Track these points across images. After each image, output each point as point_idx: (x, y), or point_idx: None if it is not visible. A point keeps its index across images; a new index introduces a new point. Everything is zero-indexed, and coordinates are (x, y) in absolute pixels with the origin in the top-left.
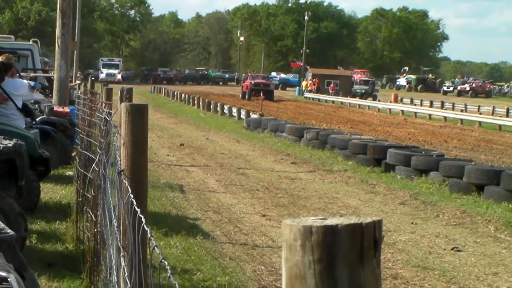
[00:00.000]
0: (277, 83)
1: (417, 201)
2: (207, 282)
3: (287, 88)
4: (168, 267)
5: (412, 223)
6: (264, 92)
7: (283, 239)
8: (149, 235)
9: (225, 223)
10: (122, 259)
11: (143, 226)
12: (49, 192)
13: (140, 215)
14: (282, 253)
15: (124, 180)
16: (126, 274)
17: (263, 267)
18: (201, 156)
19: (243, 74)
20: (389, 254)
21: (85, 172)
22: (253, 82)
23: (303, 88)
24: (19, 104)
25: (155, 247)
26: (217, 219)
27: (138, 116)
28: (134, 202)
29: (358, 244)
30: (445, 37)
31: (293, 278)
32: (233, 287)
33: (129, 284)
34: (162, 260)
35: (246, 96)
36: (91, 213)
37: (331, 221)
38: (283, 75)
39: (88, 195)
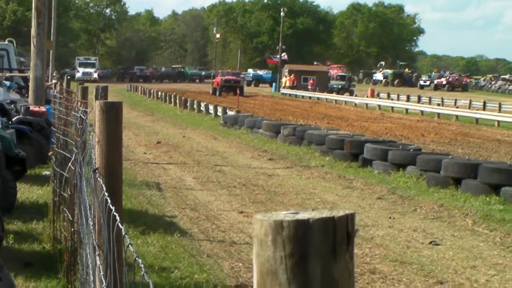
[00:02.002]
0: (251, 79)
1: (394, 195)
2: (184, 280)
3: (261, 85)
4: (142, 265)
5: (390, 217)
6: (235, 88)
7: (254, 234)
8: (123, 232)
9: (202, 220)
10: (97, 257)
11: (118, 224)
12: (26, 191)
13: (115, 213)
14: (253, 249)
15: (98, 178)
16: (102, 273)
17: (240, 264)
18: (178, 154)
19: (217, 71)
20: (367, 249)
21: (61, 171)
22: (223, 79)
23: (283, 85)
24: None
25: (130, 245)
26: (195, 217)
27: (112, 114)
28: (109, 200)
29: (330, 238)
30: (421, 32)
31: (265, 274)
32: (211, 285)
33: (104, 283)
34: (136, 258)
35: (217, 93)
36: (67, 212)
37: (303, 215)
38: (259, 72)
39: (65, 194)
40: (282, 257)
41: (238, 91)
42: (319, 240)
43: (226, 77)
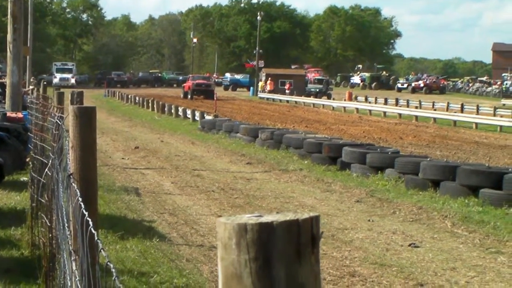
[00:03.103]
0: (228, 84)
1: (373, 198)
2: (164, 285)
3: (238, 89)
4: (113, 270)
5: (369, 220)
6: (206, 92)
7: (218, 238)
8: (96, 237)
9: (181, 225)
10: (73, 263)
11: (90, 229)
12: (4, 198)
13: (88, 218)
14: (218, 252)
15: (73, 184)
16: (77, 278)
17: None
18: (156, 159)
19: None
20: (346, 252)
21: (39, 177)
22: (195, 83)
23: (260, 89)
24: None
25: (102, 250)
26: (173, 221)
27: (85, 119)
28: (82, 206)
29: (295, 241)
30: (398, 34)
31: (229, 278)
32: None
33: None
34: (108, 263)
35: (188, 96)
36: (45, 218)
37: (267, 218)
38: (236, 76)
39: (43, 200)
40: (247, 260)
41: (215, 96)
42: (284, 243)
43: (197, 81)
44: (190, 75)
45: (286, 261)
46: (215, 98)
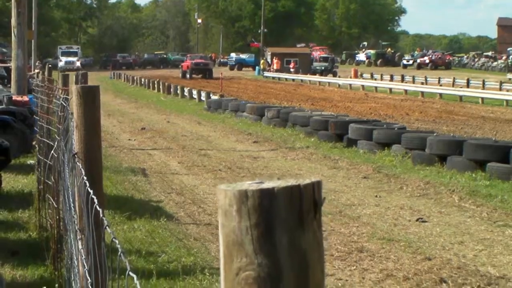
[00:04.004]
0: (234, 63)
1: (380, 174)
2: (172, 264)
3: (244, 69)
4: (118, 246)
5: (376, 196)
6: (204, 71)
7: (218, 205)
8: (101, 215)
9: (188, 204)
10: (79, 242)
11: (96, 206)
12: (11, 181)
13: (93, 196)
14: (218, 220)
15: (78, 163)
16: (83, 257)
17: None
18: (162, 139)
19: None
20: (354, 228)
21: (45, 159)
22: (193, 62)
23: (261, 67)
24: None
25: (107, 227)
26: (181, 201)
27: (89, 98)
28: (87, 184)
29: (296, 207)
30: (402, 11)
31: (231, 245)
32: (199, 268)
33: (86, 266)
34: (113, 239)
35: (187, 75)
36: (52, 200)
37: (268, 184)
38: (242, 56)
39: (49, 182)
40: (248, 227)
41: (221, 76)
42: (285, 209)
43: (196, 61)
44: (188, 55)
45: (288, 227)
46: (220, 78)
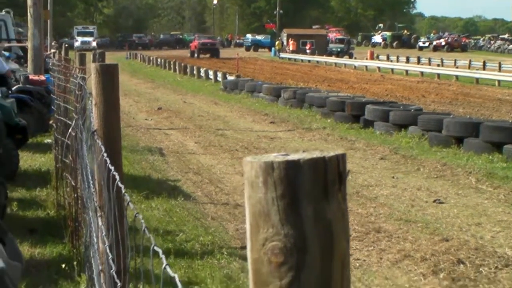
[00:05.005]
0: (249, 44)
1: (397, 155)
2: (189, 243)
3: (259, 50)
4: (142, 221)
5: (393, 177)
6: (211, 50)
7: (245, 177)
8: (123, 190)
9: (206, 184)
10: (99, 219)
11: (117, 183)
12: (29, 160)
13: (114, 173)
14: (245, 191)
15: (97, 140)
16: (104, 233)
17: (245, 226)
18: (179, 119)
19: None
20: (372, 208)
21: (62, 138)
22: (200, 42)
23: (277, 48)
24: None
25: (129, 203)
26: (198, 180)
27: (108, 76)
28: (108, 160)
29: (321, 179)
30: None
31: (257, 215)
32: (216, 247)
33: (107, 242)
34: (136, 215)
35: (195, 55)
36: (70, 178)
37: (294, 156)
38: (257, 37)
39: (67, 160)
40: (274, 198)
41: (237, 55)
42: (310, 180)
43: (203, 41)
44: (196, 35)
45: (313, 199)
46: (237, 58)
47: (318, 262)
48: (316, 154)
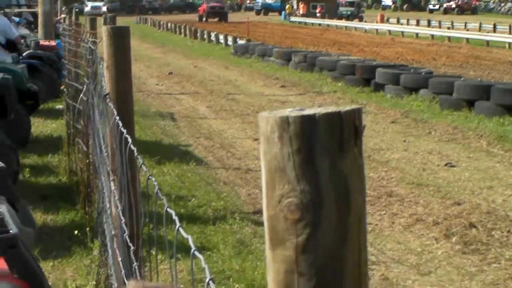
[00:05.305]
0: (259, 8)
1: (408, 119)
2: (202, 208)
3: (270, 13)
4: (155, 183)
5: (404, 141)
6: (219, 14)
7: (260, 132)
8: (135, 153)
9: (217, 149)
10: (112, 183)
11: (130, 146)
12: (40, 126)
13: (126, 136)
14: (260, 147)
15: (109, 103)
16: (116, 197)
17: (257, 191)
18: (190, 84)
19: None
20: (383, 172)
21: (74, 104)
22: (209, 6)
23: (287, 12)
24: (2, 41)
25: (142, 165)
26: (209, 145)
27: (119, 38)
28: (120, 124)
29: (337, 133)
30: None
31: (273, 171)
32: (229, 212)
33: (120, 207)
34: (150, 177)
35: (204, 19)
36: (82, 143)
37: (309, 111)
38: (268, 0)
39: (78, 126)
40: (290, 153)
41: (247, 19)
42: (326, 135)
43: (211, 4)
44: None
45: (329, 153)
46: (247, 22)
47: (334, 218)
48: (331, 108)
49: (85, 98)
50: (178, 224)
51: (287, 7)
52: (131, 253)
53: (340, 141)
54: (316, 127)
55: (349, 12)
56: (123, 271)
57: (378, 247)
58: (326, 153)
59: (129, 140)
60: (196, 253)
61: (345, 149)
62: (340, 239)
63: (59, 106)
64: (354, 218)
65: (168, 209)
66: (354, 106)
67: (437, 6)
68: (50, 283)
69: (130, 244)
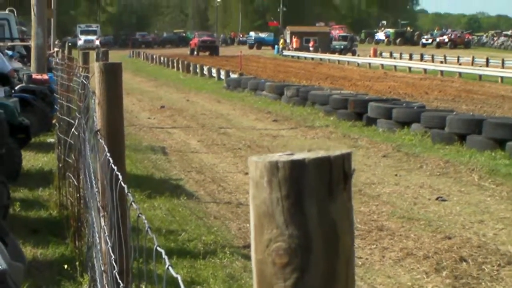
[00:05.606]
0: (253, 42)
1: (400, 153)
2: (192, 242)
3: (263, 47)
4: (145, 221)
5: (396, 175)
6: (210, 48)
7: (250, 177)
8: (126, 190)
9: (208, 183)
10: (102, 219)
11: (120, 182)
12: (31, 159)
13: (117, 172)
14: (249, 191)
15: (100, 140)
16: (106, 234)
17: (248, 225)
18: (182, 118)
19: (221, 35)
20: (374, 206)
21: (65, 137)
22: (200, 40)
23: (280, 46)
24: None
25: (133, 202)
26: (200, 179)
27: (111, 74)
28: (111, 160)
29: (326, 178)
30: None
31: (262, 216)
32: (219, 246)
33: (109, 243)
34: (139, 215)
35: (195, 53)
36: (73, 178)
37: (299, 155)
38: (261, 34)
39: (70, 160)
40: (279, 198)
41: (240, 53)
42: (315, 180)
43: (203, 38)
44: (196, 33)
45: (318, 198)
46: (240, 55)
47: (322, 262)
48: (321, 153)
49: (76, 133)
50: (167, 263)
51: (280, 41)
52: None
53: (329, 186)
54: (305, 172)
55: (342, 46)
56: None
57: (369, 281)
58: (315, 198)
59: (120, 177)
60: None
61: (334, 194)
62: (328, 283)
63: (51, 140)
64: (343, 261)
65: (158, 248)
66: (344, 151)
67: (430, 40)
68: None
69: (120, 281)
